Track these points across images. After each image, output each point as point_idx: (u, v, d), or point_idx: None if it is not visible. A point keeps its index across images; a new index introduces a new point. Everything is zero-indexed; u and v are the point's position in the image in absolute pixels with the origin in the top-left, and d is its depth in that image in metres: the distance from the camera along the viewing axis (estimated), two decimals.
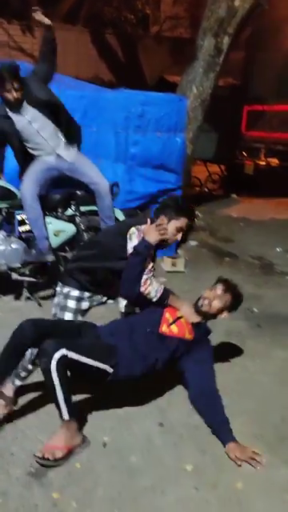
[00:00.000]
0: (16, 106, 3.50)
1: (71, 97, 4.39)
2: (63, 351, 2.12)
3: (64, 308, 2.72)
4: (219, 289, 2.70)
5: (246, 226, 6.95)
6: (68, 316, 2.71)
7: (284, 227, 6.77)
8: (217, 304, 2.65)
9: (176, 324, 2.58)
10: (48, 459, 2.06)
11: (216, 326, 3.40)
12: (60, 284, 2.79)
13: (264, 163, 8.84)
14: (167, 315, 2.61)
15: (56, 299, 2.81)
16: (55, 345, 2.15)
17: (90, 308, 2.80)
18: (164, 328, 2.55)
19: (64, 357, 2.11)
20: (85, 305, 2.75)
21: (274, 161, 9.21)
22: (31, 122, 3.54)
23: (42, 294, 3.93)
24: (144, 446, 2.27)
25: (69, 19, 11.30)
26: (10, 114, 3.54)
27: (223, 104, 8.40)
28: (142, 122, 4.83)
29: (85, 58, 10.48)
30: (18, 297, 3.88)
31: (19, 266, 3.72)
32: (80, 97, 4.68)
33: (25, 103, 3.50)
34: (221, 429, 2.34)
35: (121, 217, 4.11)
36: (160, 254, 5.06)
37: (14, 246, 3.72)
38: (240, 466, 2.17)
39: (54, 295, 3.07)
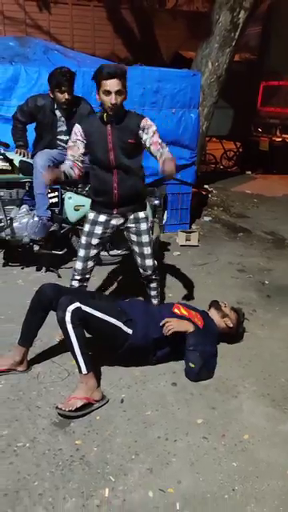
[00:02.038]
0: (63, 107, 3.81)
1: (87, 74, 4.44)
2: (77, 304, 2.34)
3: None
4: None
5: (260, 202, 7.02)
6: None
7: None
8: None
9: (185, 310, 2.82)
10: (69, 410, 2.26)
11: (227, 296, 3.59)
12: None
13: (279, 139, 8.80)
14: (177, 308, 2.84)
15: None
16: (70, 298, 2.38)
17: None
18: (175, 310, 2.80)
19: (78, 309, 2.33)
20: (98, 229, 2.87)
21: None
22: (66, 133, 3.86)
23: (62, 266, 4.11)
24: (158, 402, 2.46)
25: None
26: (56, 111, 3.87)
27: (239, 80, 8.36)
28: (157, 98, 4.93)
29: (101, 34, 10.42)
30: (39, 268, 4.08)
31: (41, 238, 3.90)
32: None
33: (70, 121, 3.81)
34: None
35: None
36: (175, 228, 5.22)
37: (36, 218, 3.89)
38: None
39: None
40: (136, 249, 2.97)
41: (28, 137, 4.13)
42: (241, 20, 6.28)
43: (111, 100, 2.58)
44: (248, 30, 7.44)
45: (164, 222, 5.33)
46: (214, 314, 2.95)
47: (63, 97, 3.73)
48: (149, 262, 2.99)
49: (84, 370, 2.37)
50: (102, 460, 2.05)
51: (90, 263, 2.95)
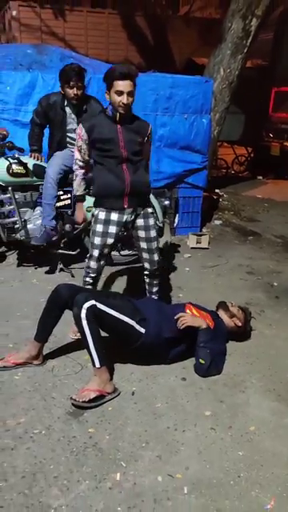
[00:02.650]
0: (73, 103, 3.91)
1: (102, 80, 4.61)
2: (92, 302, 2.46)
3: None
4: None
5: (271, 207, 7.09)
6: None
7: None
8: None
9: (197, 310, 2.92)
10: (83, 401, 2.38)
11: (236, 297, 3.68)
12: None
13: None
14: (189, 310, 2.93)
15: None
16: (86, 296, 2.51)
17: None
18: (187, 310, 2.89)
19: (93, 306, 2.45)
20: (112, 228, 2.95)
21: None
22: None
23: (75, 265, 4.24)
24: (168, 395, 2.56)
25: (98, 3, 11.45)
26: (66, 108, 3.98)
27: (251, 85, 8.45)
28: (169, 104, 5.05)
29: (115, 41, 10.61)
30: (52, 268, 4.21)
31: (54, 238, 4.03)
32: None
33: (80, 118, 3.93)
34: None
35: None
36: (186, 231, 5.32)
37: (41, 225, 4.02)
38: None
39: None
40: (144, 245, 3.02)
41: (44, 142, 4.28)
42: (253, 27, 6.40)
43: (123, 100, 2.70)
44: (260, 37, 7.53)
45: (175, 224, 5.41)
46: (222, 314, 3.05)
47: (72, 92, 3.81)
48: (156, 257, 3.07)
49: (97, 364, 2.49)
50: (114, 447, 2.16)
51: (103, 263, 3.04)
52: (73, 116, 4.00)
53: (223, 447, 2.20)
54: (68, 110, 3.98)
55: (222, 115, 6.80)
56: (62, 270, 4.20)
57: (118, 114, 2.78)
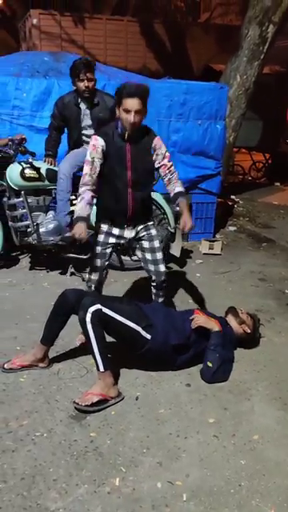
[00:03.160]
0: (85, 96, 3.94)
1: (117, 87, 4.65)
2: (98, 306, 2.46)
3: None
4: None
5: (286, 214, 7.03)
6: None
7: None
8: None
9: (205, 316, 2.88)
10: (85, 405, 2.38)
11: (247, 303, 3.65)
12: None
13: None
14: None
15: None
16: (92, 300, 2.51)
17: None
18: (196, 314, 2.86)
19: (99, 310, 2.45)
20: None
21: None
22: (90, 127, 4.02)
23: (86, 269, 4.25)
24: (172, 401, 2.54)
25: (118, 10, 11.54)
26: (81, 104, 4.01)
27: (269, 92, 8.42)
28: (183, 110, 5.06)
29: (133, 48, 10.67)
30: (63, 272, 4.24)
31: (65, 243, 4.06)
32: None
33: (93, 110, 3.99)
34: None
35: (160, 200, 4.37)
36: (199, 237, 5.30)
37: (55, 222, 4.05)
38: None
39: None
40: (149, 256, 2.99)
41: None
42: (269, 34, 6.38)
43: (130, 119, 2.62)
44: (278, 43, 7.51)
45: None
46: (231, 320, 3.02)
47: (83, 85, 3.85)
48: (162, 268, 3.03)
49: (101, 368, 2.48)
50: (115, 452, 2.15)
51: (105, 270, 3.03)
52: (87, 112, 4.04)
53: (225, 455, 2.17)
54: (82, 105, 4.02)
55: (238, 121, 6.78)
56: (73, 273, 4.22)
57: (126, 134, 2.71)
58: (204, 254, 5.01)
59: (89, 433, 2.27)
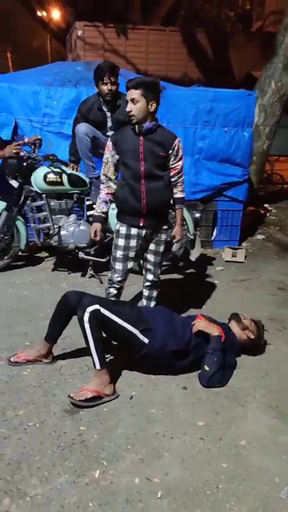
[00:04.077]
0: (107, 99, 4.07)
1: None
2: (96, 306, 2.54)
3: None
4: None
5: None
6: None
7: None
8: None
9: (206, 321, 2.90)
10: (79, 400, 2.46)
11: (260, 311, 3.64)
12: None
13: None
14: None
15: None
16: (91, 300, 2.59)
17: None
18: (198, 319, 2.89)
19: (97, 311, 2.53)
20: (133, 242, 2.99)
21: None
22: (111, 129, 4.16)
23: (105, 272, 4.36)
24: (165, 402, 2.58)
25: (167, 21, 11.70)
26: (103, 107, 4.15)
27: None
28: (210, 117, 5.09)
29: (175, 57, 10.81)
30: (83, 274, 4.37)
31: (85, 245, 4.19)
32: None
33: (114, 113, 4.14)
34: None
35: None
36: (224, 244, 5.28)
37: (82, 227, 4.21)
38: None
39: None
40: (152, 258, 3.05)
41: None
42: None
43: (127, 108, 2.80)
44: None
45: (213, 238, 5.42)
46: (234, 326, 3.02)
47: (106, 88, 3.97)
48: (158, 271, 3.12)
49: (98, 366, 2.56)
50: (100, 446, 2.22)
51: (126, 274, 3.09)
52: (109, 114, 4.17)
53: (208, 458, 2.18)
54: (104, 108, 4.14)
55: (272, 129, 6.71)
56: (92, 276, 4.34)
57: (137, 128, 2.82)
58: (226, 261, 5.00)
59: (79, 426, 2.35)
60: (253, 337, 3.01)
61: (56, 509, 1.87)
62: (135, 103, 2.76)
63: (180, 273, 4.59)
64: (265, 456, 2.21)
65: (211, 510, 1.90)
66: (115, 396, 2.58)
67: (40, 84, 5.00)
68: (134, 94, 2.74)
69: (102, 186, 3.02)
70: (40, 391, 2.62)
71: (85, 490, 1.97)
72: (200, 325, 2.80)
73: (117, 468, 2.09)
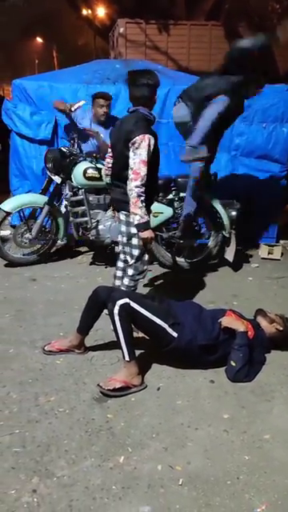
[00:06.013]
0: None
1: (179, 90, 4.79)
2: (126, 300, 2.61)
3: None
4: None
5: None
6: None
7: None
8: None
9: (237, 318, 2.94)
10: (107, 389, 2.56)
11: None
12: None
13: None
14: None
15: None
16: (121, 293, 2.69)
17: None
18: (228, 315, 2.93)
19: (126, 304, 2.61)
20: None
21: None
22: None
23: None
24: (191, 394, 2.63)
25: (212, 15, 11.59)
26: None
27: None
28: (248, 113, 5.02)
29: (216, 52, 10.67)
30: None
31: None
32: None
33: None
34: None
35: (217, 205, 4.42)
36: (261, 241, 5.23)
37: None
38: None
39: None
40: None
41: None
42: None
43: None
44: None
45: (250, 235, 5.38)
46: (261, 320, 3.03)
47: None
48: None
49: (127, 358, 2.64)
50: (126, 433, 2.30)
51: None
52: None
53: (231, 449, 2.22)
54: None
55: None
56: None
57: None
58: (262, 258, 4.97)
59: (106, 414, 2.44)
60: (281, 328, 3.01)
61: (81, 489, 1.97)
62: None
63: (214, 270, 4.61)
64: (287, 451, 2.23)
65: (230, 499, 1.94)
66: (143, 387, 2.66)
67: (79, 82, 5.13)
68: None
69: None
70: (71, 379, 2.73)
71: (109, 473, 2.06)
72: (226, 321, 2.82)
73: (141, 455, 2.17)
